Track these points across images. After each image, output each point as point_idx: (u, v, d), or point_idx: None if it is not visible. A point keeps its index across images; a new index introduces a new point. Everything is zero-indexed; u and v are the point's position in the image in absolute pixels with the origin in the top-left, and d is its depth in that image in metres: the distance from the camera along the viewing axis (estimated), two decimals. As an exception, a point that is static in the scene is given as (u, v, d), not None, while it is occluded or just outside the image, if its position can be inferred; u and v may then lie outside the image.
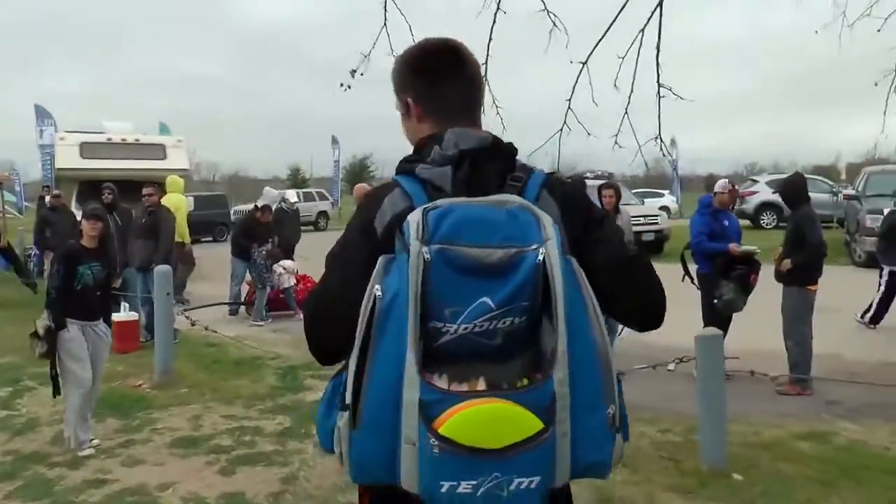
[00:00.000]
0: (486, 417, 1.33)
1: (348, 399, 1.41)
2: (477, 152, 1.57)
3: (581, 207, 1.64)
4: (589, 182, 11.49)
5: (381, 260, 1.43)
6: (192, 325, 8.23)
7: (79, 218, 8.63)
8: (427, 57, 1.72)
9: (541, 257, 1.38)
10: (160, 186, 11.20)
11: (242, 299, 11.16)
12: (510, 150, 1.64)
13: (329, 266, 1.59)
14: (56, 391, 5.31)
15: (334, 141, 35.70)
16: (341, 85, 5.63)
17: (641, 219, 16.65)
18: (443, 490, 1.35)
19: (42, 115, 20.70)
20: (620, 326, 6.78)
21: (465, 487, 1.34)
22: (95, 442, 5.42)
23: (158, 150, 15.10)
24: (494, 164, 1.59)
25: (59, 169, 14.36)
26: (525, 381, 1.38)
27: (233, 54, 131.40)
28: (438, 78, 1.68)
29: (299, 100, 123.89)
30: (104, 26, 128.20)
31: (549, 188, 1.62)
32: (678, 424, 5.71)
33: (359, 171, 55.32)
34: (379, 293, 1.39)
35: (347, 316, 1.44)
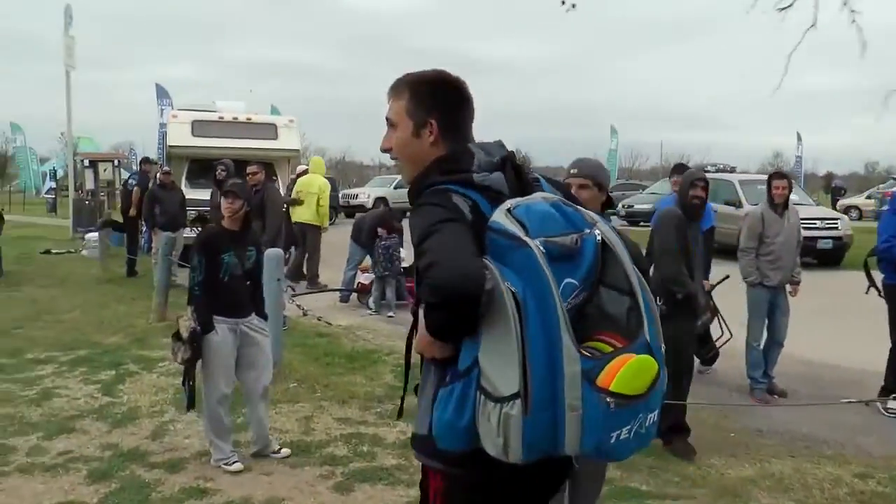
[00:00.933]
0: (636, 368, 1.55)
1: (511, 389, 1.52)
2: (506, 161, 1.82)
3: (572, 198, 1.89)
4: (712, 175, 10.10)
5: (486, 261, 1.59)
6: (304, 314, 7.61)
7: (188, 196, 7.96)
8: (451, 87, 1.92)
9: (599, 237, 1.65)
10: (269, 166, 10.73)
11: (355, 286, 10.52)
12: (515, 162, 1.86)
13: (450, 248, 1.60)
14: (190, 405, 4.58)
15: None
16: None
17: (817, 222, 14.43)
18: (612, 441, 1.55)
19: (162, 94, 21.55)
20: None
21: (625, 433, 1.56)
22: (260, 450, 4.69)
23: (269, 130, 14.67)
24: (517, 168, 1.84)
25: (170, 146, 14.10)
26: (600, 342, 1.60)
27: (340, 42, 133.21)
28: (459, 106, 1.92)
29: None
30: (217, 14, 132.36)
31: (553, 185, 1.92)
32: (876, 468, 4.64)
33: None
34: (513, 289, 1.54)
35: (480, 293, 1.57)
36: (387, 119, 1.94)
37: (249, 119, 14.82)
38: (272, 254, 6.80)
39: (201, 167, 14.77)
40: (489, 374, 1.56)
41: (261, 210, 8.61)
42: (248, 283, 4.63)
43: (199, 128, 14.46)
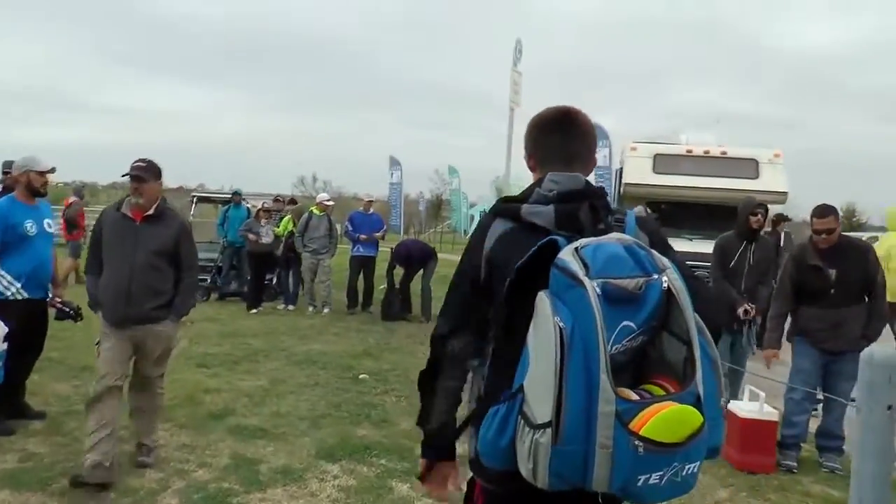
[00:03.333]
0: (672, 418, 1.57)
1: (544, 418, 1.59)
2: (573, 194, 1.93)
3: (661, 239, 2.04)
4: None
5: (545, 297, 1.66)
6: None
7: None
8: (542, 117, 2.14)
9: (665, 284, 1.68)
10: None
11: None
12: (600, 191, 1.98)
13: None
14: None
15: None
16: None
17: None
18: (639, 483, 1.57)
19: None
20: None
21: (654, 478, 1.58)
22: None
23: (749, 167, 11.66)
24: (586, 203, 1.90)
25: (626, 184, 11.89)
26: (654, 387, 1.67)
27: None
28: (547, 133, 2.12)
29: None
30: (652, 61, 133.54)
31: (640, 224, 1.99)
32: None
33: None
34: (562, 325, 1.60)
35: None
36: None
37: (724, 153, 11.93)
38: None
39: (659, 210, 12.30)
40: (531, 401, 1.64)
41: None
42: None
43: (662, 163, 12.00)
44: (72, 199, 15.19)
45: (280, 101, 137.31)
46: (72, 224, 14.64)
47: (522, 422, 1.65)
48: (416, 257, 11.63)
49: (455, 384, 2.00)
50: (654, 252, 1.75)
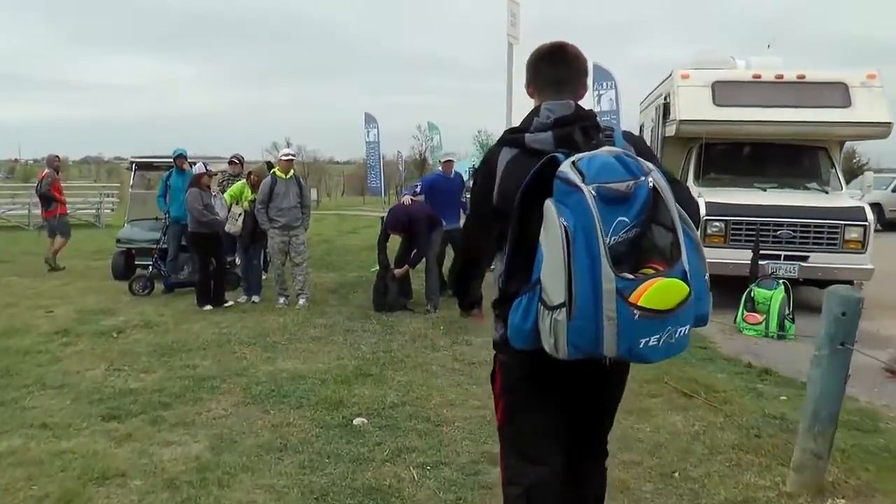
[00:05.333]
0: (663, 288, 1.90)
1: (559, 300, 1.93)
2: (566, 119, 2.24)
3: (646, 149, 2.35)
4: None
5: (551, 203, 1.98)
6: None
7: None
8: (539, 51, 2.43)
9: (651, 184, 1.97)
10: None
11: None
12: (590, 114, 2.29)
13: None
14: None
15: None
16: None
17: None
18: (640, 346, 1.92)
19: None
20: None
21: (653, 340, 1.92)
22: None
23: (837, 93, 9.10)
24: (578, 125, 2.23)
25: (681, 121, 9.27)
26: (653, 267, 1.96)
27: None
28: (542, 63, 2.40)
29: None
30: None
31: (626, 138, 2.30)
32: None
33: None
34: (566, 224, 1.92)
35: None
36: None
37: (802, 77, 9.33)
38: None
39: (725, 154, 9.74)
40: (547, 289, 1.97)
41: None
42: None
43: (723, 93, 9.38)
44: (45, 171, 12.85)
45: (248, 73, 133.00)
46: (48, 199, 12.46)
47: (542, 306, 2.00)
48: (422, 223, 8.92)
49: (480, 281, 2.58)
50: (641, 159, 2.06)
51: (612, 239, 1.90)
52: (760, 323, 7.43)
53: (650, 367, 5.37)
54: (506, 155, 2.24)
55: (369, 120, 31.41)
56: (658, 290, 1.88)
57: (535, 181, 2.05)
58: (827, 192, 9.37)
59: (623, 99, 18.43)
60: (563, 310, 1.91)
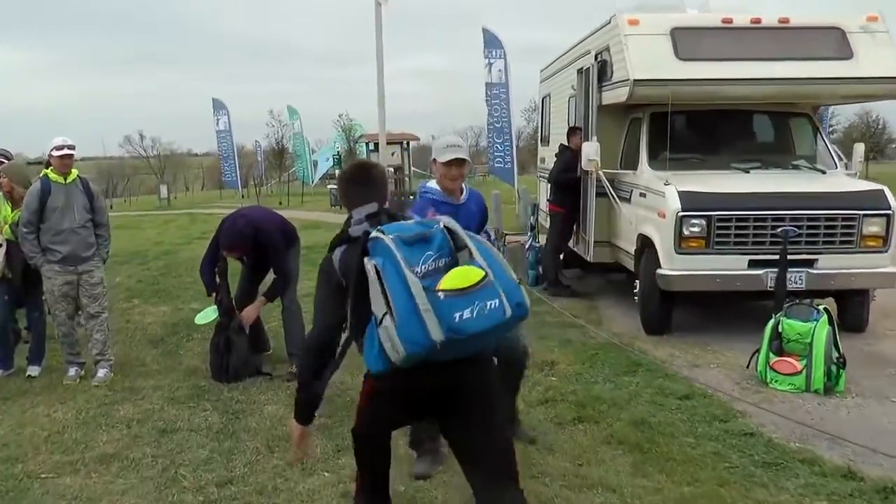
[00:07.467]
0: (457, 273, 2.33)
1: (381, 311, 2.32)
2: (374, 213, 2.74)
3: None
4: None
5: (367, 259, 2.42)
6: None
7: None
8: (346, 174, 3.01)
9: (443, 226, 2.49)
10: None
11: None
12: (389, 209, 2.80)
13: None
14: None
15: None
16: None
17: None
18: (457, 320, 2.25)
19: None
20: None
21: (466, 314, 2.25)
22: None
23: (832, 41, 6.88)
24: (384, 214, 2.74)
25: (637, 81, 6.74)
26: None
27: None
28: (351, 185, 2.90)
29: None
30: None
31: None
32: None
33: None
34: (375, 263, 2.38)
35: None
36: None
37: (786, 22, 7.04)
38: None
39: (687, 126, 7.39)
40: (376, 313, 2.34)
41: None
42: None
43: (686, 43, 6.93)
44: None
45: (91, 61, 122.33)
46: None
47: (378, 329, 2.33)
48: (276, 237, 5.97)
49: (331, 368, 2.74)
50: (434, 217, 2.75)
51: (424, 267, 2.39)
52: (800, 373, 5.02)
53: None
54: (338, 253, 2.69)
55: (218, 106, 27.53)
56: (454, 275, 2.33)
57: (362, 254, 2.47)
58: (824, 172, 7.15)
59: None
60: (388, 315, 2.30)
